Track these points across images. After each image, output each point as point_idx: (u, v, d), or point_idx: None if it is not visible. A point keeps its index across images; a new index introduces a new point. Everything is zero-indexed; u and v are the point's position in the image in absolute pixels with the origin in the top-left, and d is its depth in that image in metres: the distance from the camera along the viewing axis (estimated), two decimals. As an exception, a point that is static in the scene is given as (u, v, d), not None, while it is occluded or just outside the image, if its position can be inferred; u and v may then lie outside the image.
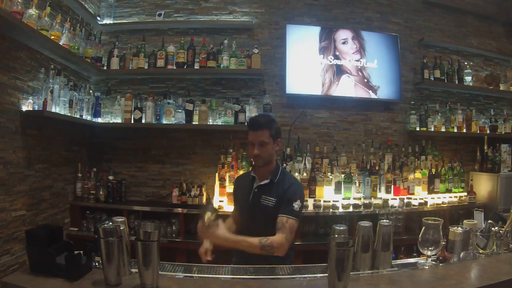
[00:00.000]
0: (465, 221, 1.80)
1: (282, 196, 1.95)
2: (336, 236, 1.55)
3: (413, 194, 3.55)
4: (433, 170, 3.65)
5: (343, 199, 3.37)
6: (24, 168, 2.62)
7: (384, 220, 1.71)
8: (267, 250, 1.76)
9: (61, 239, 1.60)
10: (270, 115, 2.25)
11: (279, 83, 3.72)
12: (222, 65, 3.49)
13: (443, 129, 3.83)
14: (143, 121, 3.44)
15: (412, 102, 3.88)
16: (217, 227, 1.77)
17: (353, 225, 2.86)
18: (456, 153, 3.90)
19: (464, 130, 3.87)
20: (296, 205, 1.91)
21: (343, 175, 3.44)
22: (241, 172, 3.35)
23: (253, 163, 2.10)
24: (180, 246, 3.16)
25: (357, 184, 3.42)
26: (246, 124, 2.06)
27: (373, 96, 3.75)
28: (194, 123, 3.48)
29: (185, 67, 3.51)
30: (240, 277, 1.56)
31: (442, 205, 3.52)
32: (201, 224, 1.77)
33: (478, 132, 3.87)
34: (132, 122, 3.45)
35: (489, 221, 1.78)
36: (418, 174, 3.60)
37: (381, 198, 3.39)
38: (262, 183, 2.02)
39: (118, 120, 3.47)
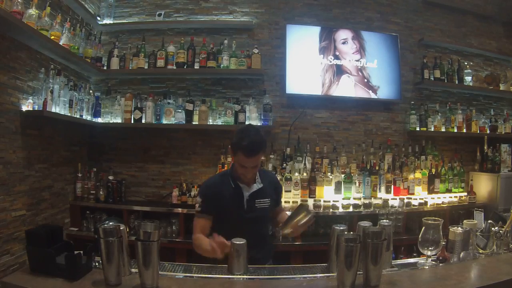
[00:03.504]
0: (465, 221, 1.80)
1: (274, 190, 2.17)
2: (346, 233, 1.57)
3: (413, 194, 3.55)
4: (433, 170, 3.65)
5: (343, 199, 3.37)
6: (24, 168, 2.62)
7: (384, 220, 1.72)
8: None
9: (61, 239, 1.60)
10: (259, 130, 2.05)
11: (279, 83, 3.72)
12: (222, 65, 3.49)
13: (443, 129, 3.83)
14: (143, 121, 3.44)
15: (412, 102, 3.88)
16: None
17: (353, 225, 2.86)
18: (456, 153, 3.90)
19: (464, 130, 3.86)
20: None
21: (343, 175, 3.44)
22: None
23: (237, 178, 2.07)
24: (180, 246, 3.15)
25: (357, 184, 3.42)
26: (240, 147, 1.90)
27: (373, 96, 3.75)
28: (194, 123, 3.48)
29: (185, 67, 3.51)
30: (240, 277, 1.56)
31: (442, 205, 3.52)
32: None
33: (478, 132, 3.87)
34: (132, 122, 3.45)
35: (489, 221, 1.78)
36: (418, 174, 3.60)
37: (381, 198, 3.39)
38: (255, 189, 2.06)
39: (118, 120, 3.47)
